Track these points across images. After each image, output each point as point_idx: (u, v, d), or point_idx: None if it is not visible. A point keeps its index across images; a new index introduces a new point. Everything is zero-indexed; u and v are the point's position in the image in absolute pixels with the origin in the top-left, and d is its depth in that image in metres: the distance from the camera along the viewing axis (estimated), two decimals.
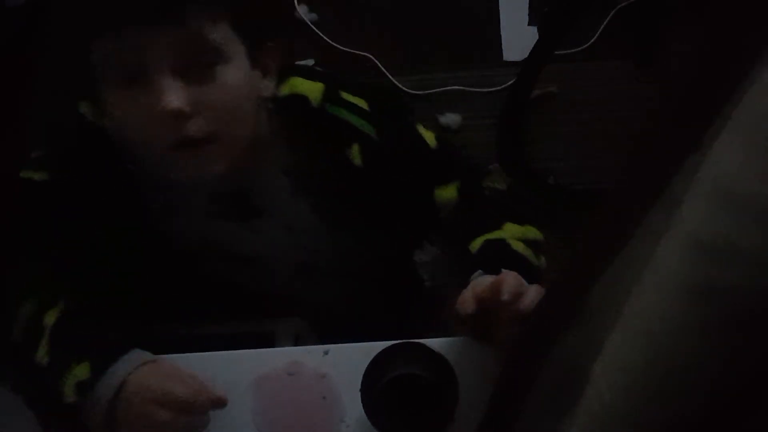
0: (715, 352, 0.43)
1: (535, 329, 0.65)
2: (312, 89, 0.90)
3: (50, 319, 0.85)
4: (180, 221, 0.91)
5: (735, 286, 0.40)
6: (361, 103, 0.91)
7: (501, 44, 2.12)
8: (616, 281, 0.52)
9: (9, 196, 0.92)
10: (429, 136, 0.96)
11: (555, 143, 1.98)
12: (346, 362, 0.89)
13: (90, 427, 0.80)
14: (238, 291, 1.00)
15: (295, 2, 2.18)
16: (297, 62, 1.84)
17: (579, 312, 0.57)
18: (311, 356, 0.91)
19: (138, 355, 0.82)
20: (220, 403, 0.82)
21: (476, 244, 0.93)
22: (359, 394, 0.85)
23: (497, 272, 0.83)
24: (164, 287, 0.94)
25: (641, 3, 2.08)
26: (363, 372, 0.85)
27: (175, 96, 0.77)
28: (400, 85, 2.07)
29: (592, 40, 2.08)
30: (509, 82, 2.00)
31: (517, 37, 2.09)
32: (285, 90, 0.89)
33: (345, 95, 0.91)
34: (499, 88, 2.05)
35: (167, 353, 0.93)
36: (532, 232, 0.95)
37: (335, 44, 2.14)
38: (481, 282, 0.80)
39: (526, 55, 1.79)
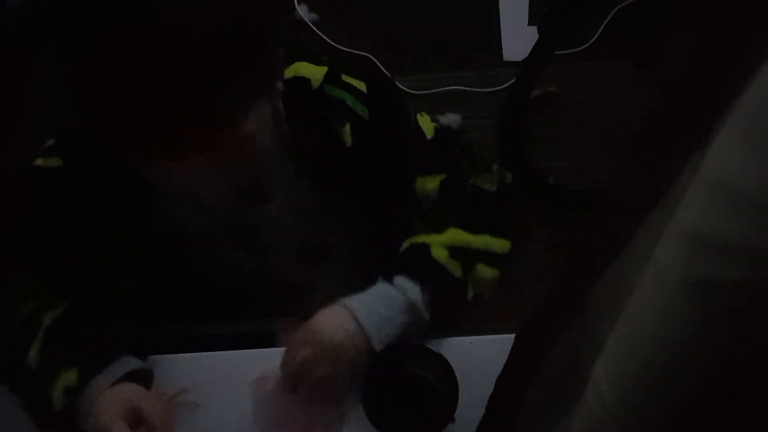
0: (714, 348, 0.43)
1: (535, 329, 0.65)
2: (314, 72, 0.90)
3: (48, 319, 0.86)
4: (193, 208, 0.91)
5: (734, 282, 0.40)
6: (360, 86, 0.91)
7: (501, 44, 2.12)
8: (616, 280, 0.52)
9: (9, 196, 0.92)
10: (428, 127, 0.95)
11: (555, 143, 1.98)
12: None
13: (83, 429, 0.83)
14: (243, 279, 1.00)
15: (295, 2, 2.19)
16: None
17: (579, 311, 0.58)
18: None
19: (122, 366, 0.85)
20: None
21: (405, 244, 0.93)
22: (359, 394, 0.85)
23: (416, 276, 0.87)
24: (167, 283, 0.94)
25: (641, 3, 2.08)
26: (363, 372, 0.85)
27: None
28: (400, 85, 2.07)
29: (592, 40, 2.08)
30: (509, 82, 2.00)
31: (517, 37, 2.09)
32: (289, 73, 0.89)
33: (346, 77, 0.91)
34: (499, 88, 2.05)
35: (167, 353, 0.93)
36: (483, 241, 0.93)
37: (335, 44, 2.14)
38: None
39: (526, 55, 1.79)
